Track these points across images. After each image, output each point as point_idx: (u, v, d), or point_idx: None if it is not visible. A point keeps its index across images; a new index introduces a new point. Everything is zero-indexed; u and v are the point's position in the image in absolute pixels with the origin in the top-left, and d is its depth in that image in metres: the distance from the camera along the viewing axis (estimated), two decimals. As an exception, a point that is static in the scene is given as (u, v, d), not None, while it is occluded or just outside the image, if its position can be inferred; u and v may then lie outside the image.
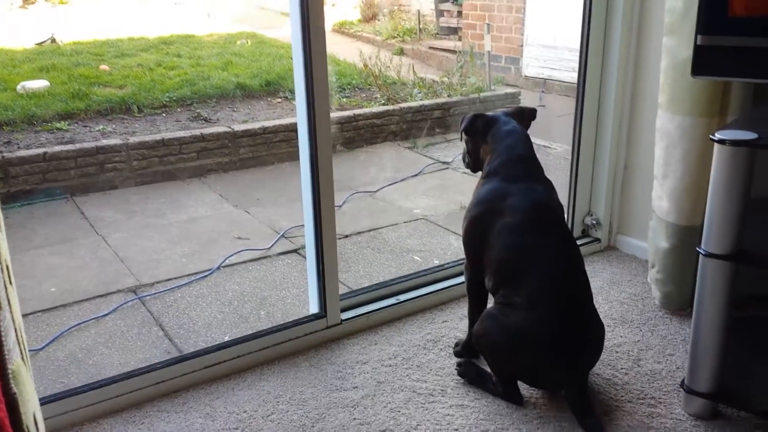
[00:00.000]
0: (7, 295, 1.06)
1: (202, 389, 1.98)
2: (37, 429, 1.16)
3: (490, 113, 2.01)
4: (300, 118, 2.05)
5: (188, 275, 2.92)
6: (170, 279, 2.90)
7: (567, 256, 1.84)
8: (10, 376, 1.02)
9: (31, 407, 1.13)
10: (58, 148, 4.04)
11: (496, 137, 1.95)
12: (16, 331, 1.11)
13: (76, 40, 6.46)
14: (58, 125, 4.50)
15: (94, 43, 6.42)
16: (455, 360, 2.08)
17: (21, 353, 1.12)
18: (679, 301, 2.31)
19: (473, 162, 2.05)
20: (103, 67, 5.61)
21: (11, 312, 1.07)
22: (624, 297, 2.45)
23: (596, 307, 1.91)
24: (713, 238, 1.67)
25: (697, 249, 1.70)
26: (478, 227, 1.90)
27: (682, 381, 1.84)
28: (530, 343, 1.77)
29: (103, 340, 2.40)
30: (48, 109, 4.66)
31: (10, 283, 1.10)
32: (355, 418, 1.84)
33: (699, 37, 1.70)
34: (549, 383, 1.88)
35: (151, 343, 2.37)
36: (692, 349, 1.78)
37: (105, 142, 4.20)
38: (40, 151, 3.99)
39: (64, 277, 2.95)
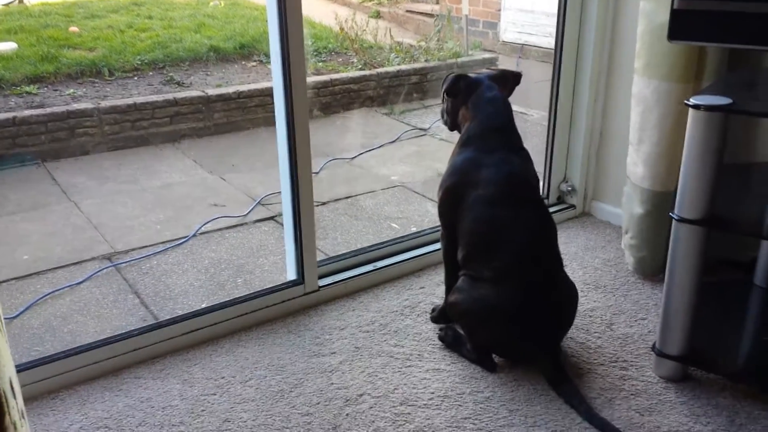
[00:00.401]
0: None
1: (180, 356, 1.98)
2: (14, 394, 1.15)
3: (473, 75, 1.98)
4: (276, 83, 2.02)
5: (163, 242, 2.90)
6: (145, 246, 2.87)
7: (538, 230, 1.85)
8: (-16, 344, 1.01)
9: (6, 372, 1.12)
10: (27, 113, 3.95)
11: (477, 103, 1.92)
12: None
13: (44, 1, 6.28)
14: (27, 89, 4.39)
15: (63, 4, 6.24)
16: (432, 325, 2.10)
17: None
18: (652, 267, 2.35)
19: (451, 121, 2.04)
20: (73, 29, 5.47)
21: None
22: (598, 262, 2.48)
23: (571, 272, 1.93)
24: (686, 203, 1.69)
25: (670, 214, 1.73)
26: (453, 197, 1.90)
27: (654, 344, 1.88)
28: (499, 318, 1.79)
29: (78, 307, 2.38)
30: (16, 72, 4.53)
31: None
32: (332, 383, 1.86)
33: (675, 1, 1.69)
34: (520, 355, 1.91)
35: (127, 310, 2.36)
36: (664, 313, 1.81)
37: (76, 106, 4.12)
38: (10, 115, 3.89)
39: (37, 244, 2.92)
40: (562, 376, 1.80)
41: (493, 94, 1.93)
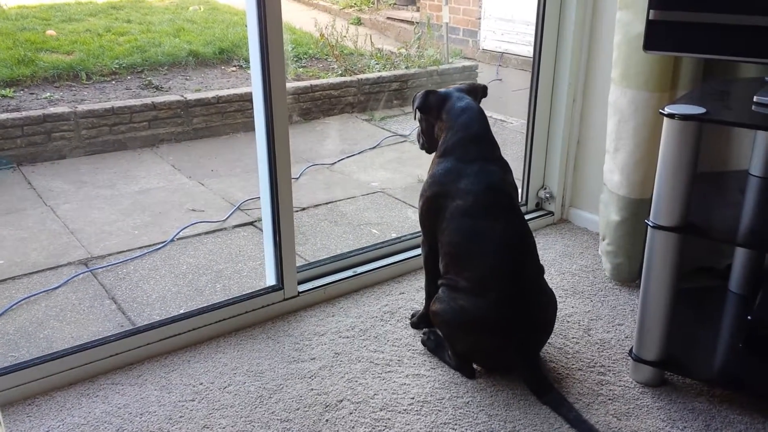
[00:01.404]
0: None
1: (158, 362, 1.96)
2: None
3: (442, 90, 2.00)
4: (255, 88, 2.02)
5: (141, 248, 2.88)
6: (122, 251, 2.85)
7: (517, 239, 1.85)
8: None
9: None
10: (3, 116, 3.90)
11: (452, 113, 1.93)
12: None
13: (21, 3, 6.21)
14: (3, 92, 4.34)
15: (40, 7, 6.18)
16: (412, 331, 2.11)
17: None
18: (629, 273, 2.37)
19: (428, 142, 2.03)
20: (50, 32, 5.42)
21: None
22: (575, 269, 2.50)
23: (549, 278, 1.94)
24: (662, 210, 1.71)
25: (646, 221, 1.75)
26: (433, 207, 1.91)
27: (631, 349, 1.90)
28: (480, 328, 1.80)
29: (54, 313, 2.35)
30: (-8, 75, 4.49)
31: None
32: (312, 389, 1.85)
33: (651, 12, 1.72)
34: (500, 365, 1.92)
35: (103, 316, 2.34)
36: (640, 318, 1.84)
37: (52, 110, 4.07)
38: (-15, 118, 3.85)
39: (12, 249, 2.88)
40: (546, 385, 1.81)
41: (466, 103, 1.94)
